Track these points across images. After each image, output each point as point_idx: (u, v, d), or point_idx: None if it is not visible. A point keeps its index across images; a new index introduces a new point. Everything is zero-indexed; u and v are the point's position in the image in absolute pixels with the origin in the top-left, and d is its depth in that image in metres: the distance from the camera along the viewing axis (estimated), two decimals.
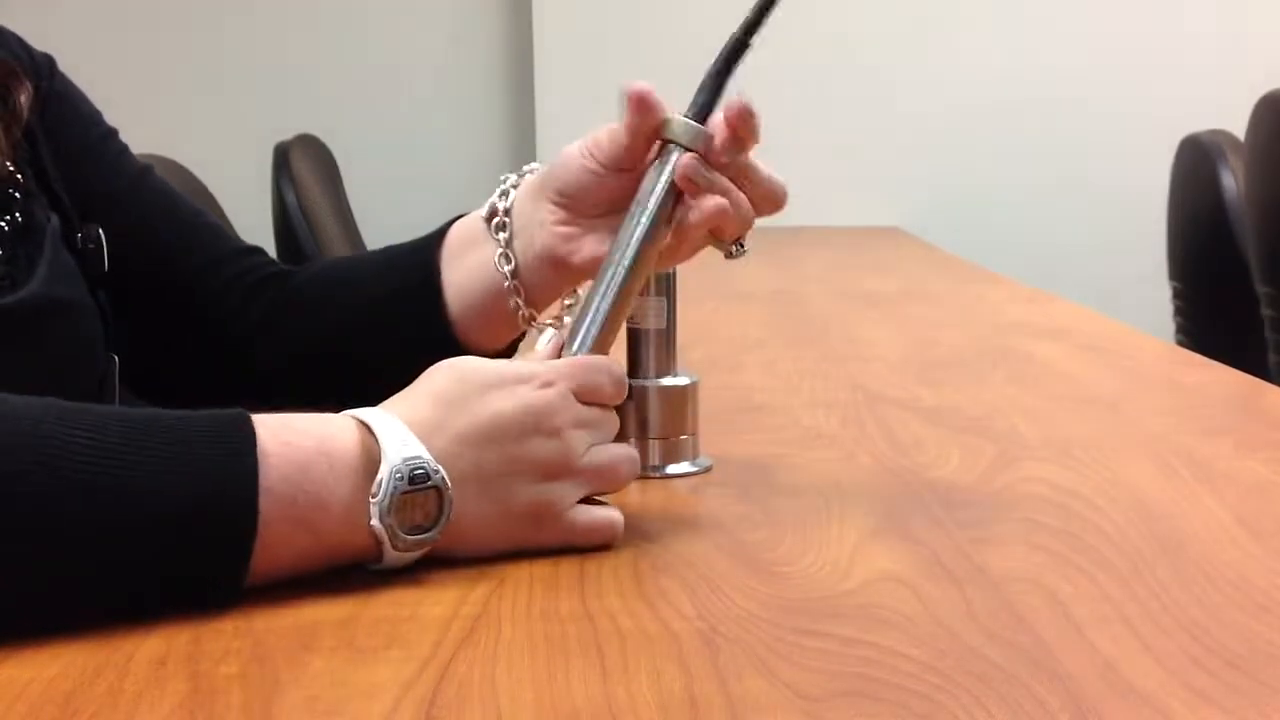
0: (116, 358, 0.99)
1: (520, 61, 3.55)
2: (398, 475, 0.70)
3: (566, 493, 0.76)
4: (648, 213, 0.87)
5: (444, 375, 0.76)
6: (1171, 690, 0.58)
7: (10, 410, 0.66)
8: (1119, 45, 3.45)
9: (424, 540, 0.71)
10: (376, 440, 0.71)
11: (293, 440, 0.69)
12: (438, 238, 1.02)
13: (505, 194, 0.99)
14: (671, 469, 0.93)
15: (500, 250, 0.96)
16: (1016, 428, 1.09)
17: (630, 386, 0.93)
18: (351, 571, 0.72)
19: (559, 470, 0.75)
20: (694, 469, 0.94)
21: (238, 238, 1.12)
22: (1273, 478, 0.95)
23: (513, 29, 3.58)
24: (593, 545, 0.77)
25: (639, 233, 0.87)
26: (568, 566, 0.74)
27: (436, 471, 0.71)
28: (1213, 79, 3.32)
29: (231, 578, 0.67)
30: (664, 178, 0.89)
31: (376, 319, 1.02)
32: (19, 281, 0.91)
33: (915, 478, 0.94)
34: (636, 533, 0.79)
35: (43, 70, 1.04)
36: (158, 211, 1.07)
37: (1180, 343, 2.58)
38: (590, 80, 3.42)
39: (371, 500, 0.69)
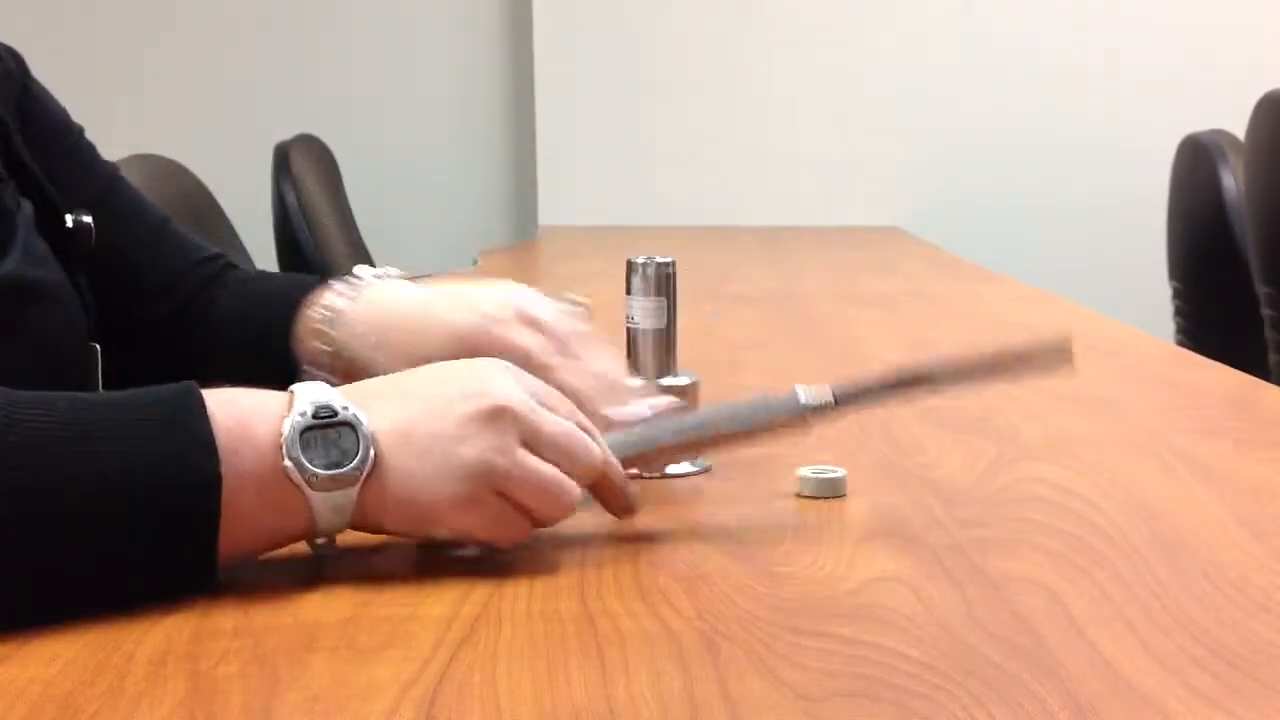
0: (98, 347, 0.99)
1: (520, 62, 3.55)
2: (300, 413, 0.70)
3: (510, 453, 0.72)
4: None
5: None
6: (1171, 690, 0.58)
7: None
8: (1119, 45, 3.45)
9: (342, 475, 0.69)
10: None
11: (235, 397, 0.71)
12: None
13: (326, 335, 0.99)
14: (671, 469, 0.93)
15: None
16: (1016, 428, 1.08)
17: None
18: (352, 571, 0.72)
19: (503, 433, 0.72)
20: (694, 469, 0.94)
21: (200, 244, 1.12)
22: (1273, 478, 0.95)
23: (513, 29, 3.58)
24: (543, 512, 0.73)
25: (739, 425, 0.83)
26: (568, 566, 0.74)
27: (346, 408, 0.71)
28: (1213, 79, 3.32)
29: (203, 514, 0.67)
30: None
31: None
32: None
33: (915, 478, 0.94)
34: (636, 533, 0.79)
35: (10, 60, 1.03)
36: (129, 220, 1.07)
37: (1180, 343, 2.57)
38: (590, 80, 3.42)
39: (280, 441, 0.69)
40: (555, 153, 3.40)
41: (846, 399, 0.81)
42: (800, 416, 0.81)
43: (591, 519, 0.78)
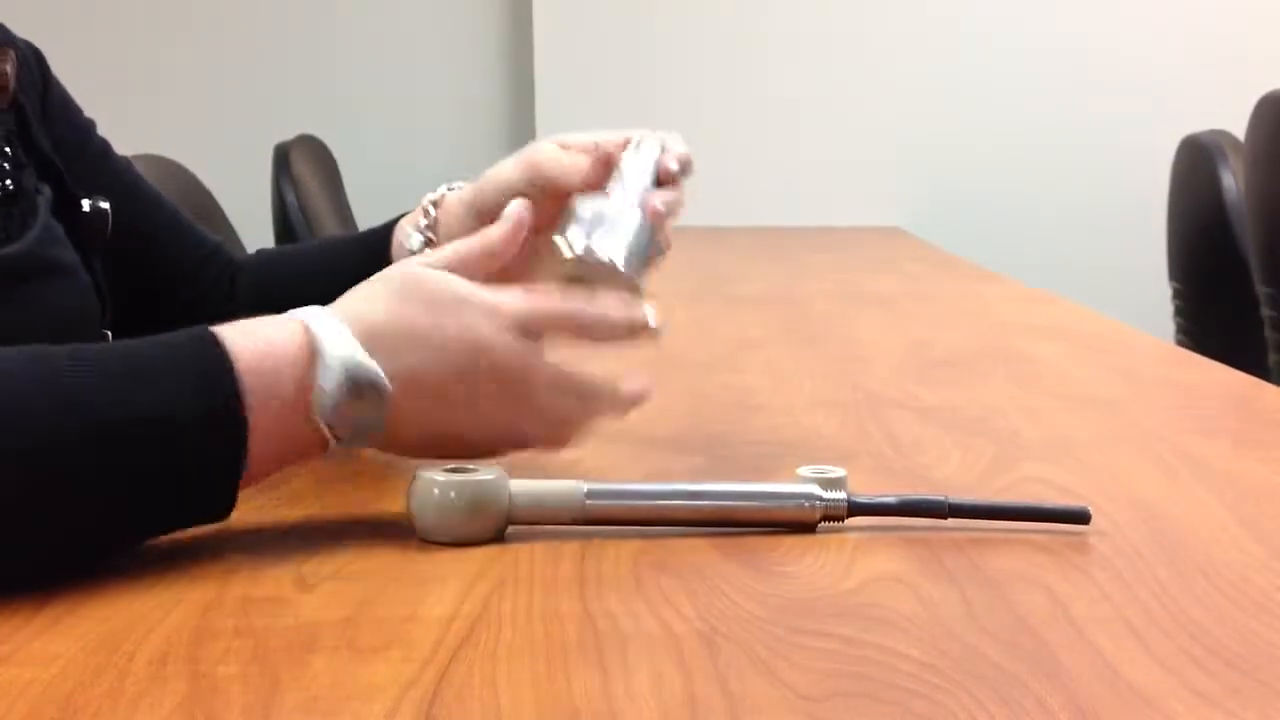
0: (110, 335, 1.00)
1: (520, 61, 3.55)
2: (331, 384, 0.75)
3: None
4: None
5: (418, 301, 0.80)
6: (1171, 690, 0.58)
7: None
8: (1119, 45, 3.45)
9: (365, 423, 0.76)
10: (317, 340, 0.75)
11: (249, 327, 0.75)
12: (384, 248, 1.06)
13: (429, 215, 1.04)
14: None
15: None
16: (1016, 428, 1.08)
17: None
18: (352, 571, 0.72)
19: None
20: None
21: (205, 232, 1.15)
22: (1272, 478, 0.95)
23: (513, 29, 3.58)
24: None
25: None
26: (568, 567, 0.74)
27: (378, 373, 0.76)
28: (1213, 79, 3.32)
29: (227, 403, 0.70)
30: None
31: None
32: (13, 237, 0.92)
33: (915, 478, 0.94)
34: (636, 533, 0.79)
35: (31, 56, 1.05)
36: (150, 211, 1.09)
37: (1180, 343, 2.58)
38: (590, 80, 3.42)
39: (317, 387, 0.74)
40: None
41: (859, 509, 0.81)
42: (810, 518, 0.80)
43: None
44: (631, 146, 0.94)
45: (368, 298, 0.79)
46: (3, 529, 0.67)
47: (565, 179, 0.95)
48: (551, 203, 0.94)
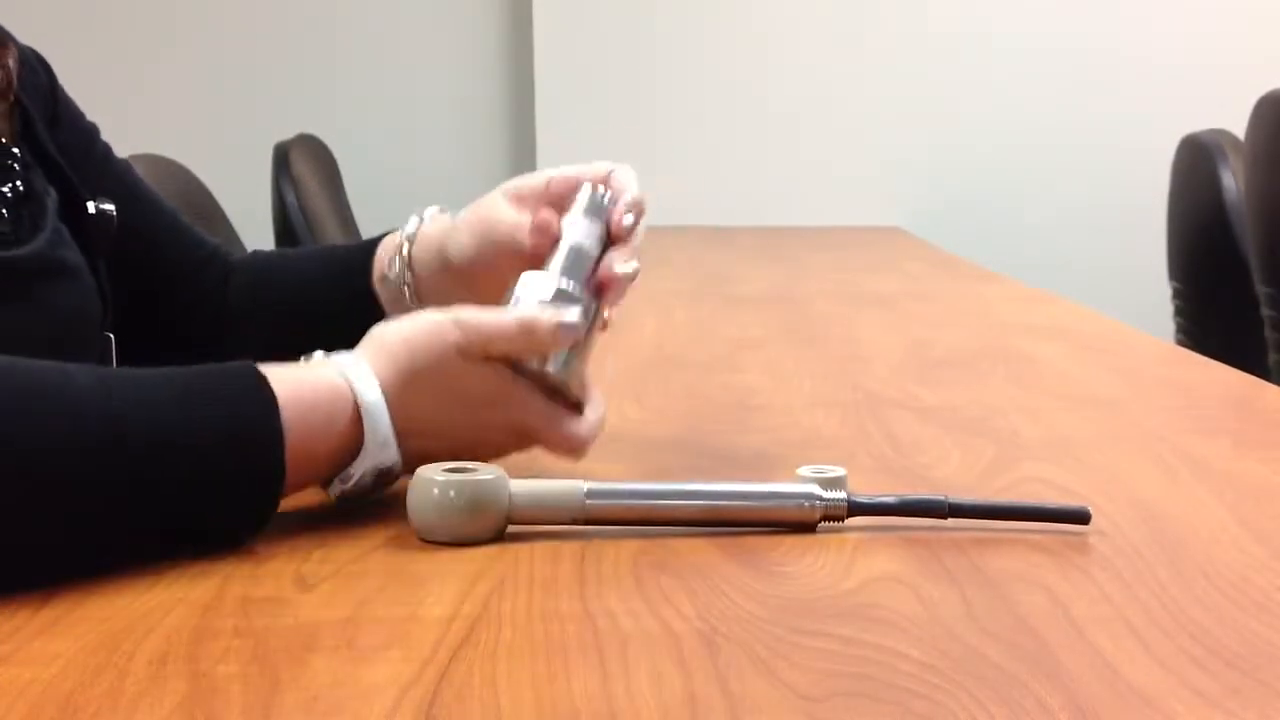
0: (112, 337, 1.00)
1: (520, 61, 3.55)
2: (365, 471, 0.80)
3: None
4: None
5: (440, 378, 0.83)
6: (1171, 690, 0.58)
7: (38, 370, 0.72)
8: (1119, 45, 3.45)
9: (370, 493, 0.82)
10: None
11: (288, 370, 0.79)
12: (367, 274, 1.05)
13: (404, 251, 1.02)
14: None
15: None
16: (1016, 428, 1.09)
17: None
18: (351, 571, 0.72)
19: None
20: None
21: (203, 234, 1.15)
22: (1272, 477, 0.95)
23: (513, 29, 3.58)
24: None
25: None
26: (568, 567, 0.74)
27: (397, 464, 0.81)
28: (1213, 79, 3.32)
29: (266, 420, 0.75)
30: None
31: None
32: (23, 239, 0.93)
33: (915, 478, 0.94)
34: (636, 532, 0.79)
35: (37, 64, 1.06)
36: (151, 214, 1.09)
37: (1180, 343, 2.58)
38: (590, 80, 3.42)
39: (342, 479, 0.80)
40: (555, 153, 3.40)
41: (859, 509, 0.81)
42: (810, 518, 0.80)
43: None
44: (575, 207, 0.91)
45: (417, 389, 0.81)
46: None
47: (514, 244, 0.93)
48: (506, 260, 0.93)
